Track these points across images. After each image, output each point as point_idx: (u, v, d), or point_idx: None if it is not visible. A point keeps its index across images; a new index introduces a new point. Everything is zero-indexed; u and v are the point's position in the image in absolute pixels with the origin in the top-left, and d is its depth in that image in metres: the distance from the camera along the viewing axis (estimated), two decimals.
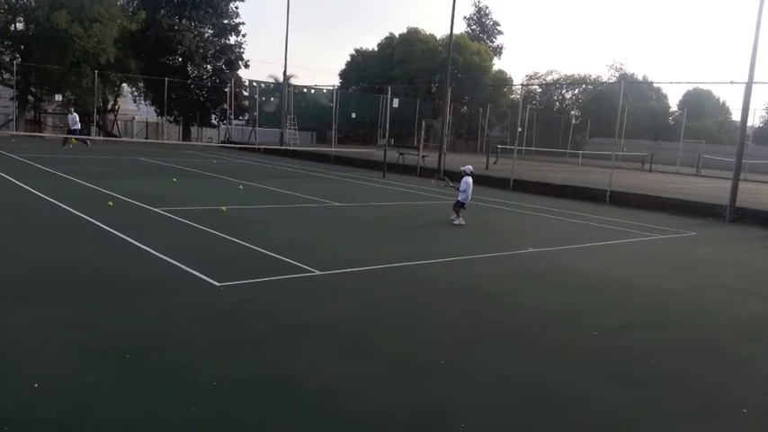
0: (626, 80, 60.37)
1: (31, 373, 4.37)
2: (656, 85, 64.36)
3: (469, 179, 12.87)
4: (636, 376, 5.21)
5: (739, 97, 24.61)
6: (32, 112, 38.56)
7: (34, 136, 33.87)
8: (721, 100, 68.62)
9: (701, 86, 63.86)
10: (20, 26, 35.24)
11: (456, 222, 12.55)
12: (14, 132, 32.80)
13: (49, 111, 40.54)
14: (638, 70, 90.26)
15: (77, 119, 28.92)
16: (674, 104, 68.62)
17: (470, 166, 13.25)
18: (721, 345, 6.33)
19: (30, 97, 36.81)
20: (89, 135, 35.31)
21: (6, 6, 34.02)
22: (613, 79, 64.56)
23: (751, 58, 16.70)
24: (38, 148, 26.92)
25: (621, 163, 33.75)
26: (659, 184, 26.07)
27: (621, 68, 67.14)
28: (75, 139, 28.80)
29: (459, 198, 12.77)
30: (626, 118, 31.17)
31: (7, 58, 35.56)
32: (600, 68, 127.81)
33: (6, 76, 35.58)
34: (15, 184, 14.22)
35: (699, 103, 62.39)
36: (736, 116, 55.11)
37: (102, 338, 5.17)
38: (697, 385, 5.16)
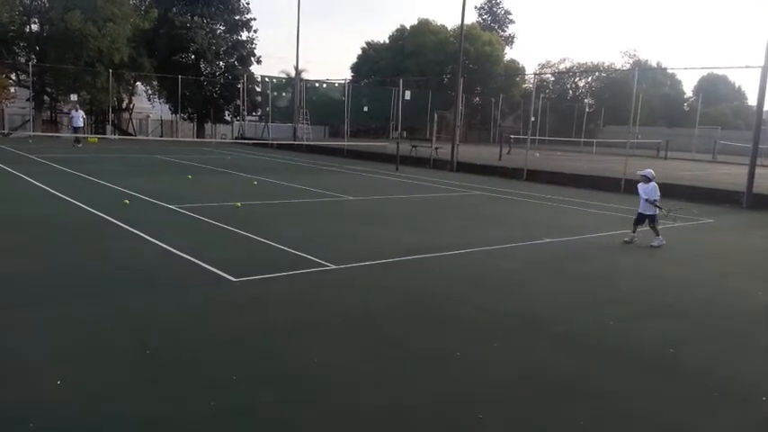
0: (640, 67, 59.83)
1: (53, 371, 4.44)
2: (670, 71, 63.57)
3: (654, 184, 10.48)
4: (654, 365, 5.19)
5: (755, 81, 24.29)
6: (48, 113, 38.96)
7: (51, 136, 34.26)
8: (737, 84, 67.86)
9: (716, 71, 63.06)
10: (35, 27, 35.56)
11: (626, 239, 10.53)
12: (31, 133, 33.18)
13: (65, 111, 40.92)
14: (652, 56, 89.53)
15: (78, 117, 29.45)
16: (688, 90, 67.99)
17: (650, 169, 10.75)
18: (740, 333, 6.28)
19: (45, 98, 37.15)
20: (104, 134, 35.65)
21: (21, 8, 34.33)
22: (627, 66, 63.93)
23: (767, 40, 16.49)
24: (54, 148, 27.20)
25: (636, 151, 33.49)
26: (675, 171, 25.83)
27: (635, 55, 66.46)
28: (95, 138, 29.36)
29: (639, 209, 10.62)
30: (640, 105, 30.89)
31: (23, 60, 35.90)
32: (613, 55, 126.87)
33: (22, 77, 35.94)
34: (33, 184, 14.41)
35: (714, 88, 61.64)
36: (752, 101, 54.46)
37: (121, 335, 5.25)
38: (716, 374, 5.14)
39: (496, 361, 5.12)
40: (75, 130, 29.61)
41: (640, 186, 10.59)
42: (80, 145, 28.44)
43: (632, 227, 10.62)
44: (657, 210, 10.43)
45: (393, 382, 4.61)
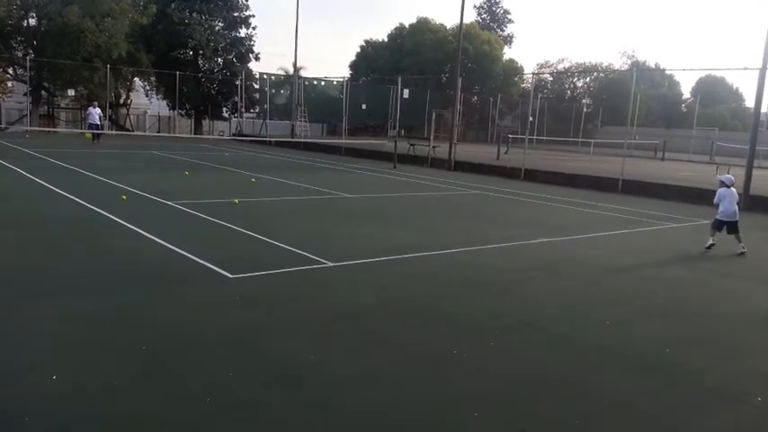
0: (638, 68, 59.91)
1: (49, 367, 4.44)
2: (668, 72, 63.85)
3: (725, 190, 10.34)
4: (649, 365, 5.21)
5: (753, 83, 24.34)
6: (46, 108, 38.86)
7: (48, 131, 34.17)
8: (734, 86, 68.13)
9: (713, 73, 63.40)
10: (32, 22, 35.45)
11: (708, 246, 10.29)
12: (28, 128, 33.10)
13: (62, 106, 40.84)
14: (650, 57, 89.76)
15: (95, 114, 29.17)
16: (686, 92, 68.17)
17: (730, 176, 10.67)
18: (736, 333, 6.31)
19: (43, 92, 37.04)
20: (102, 129, 35.60)
21: (19, 2, 34.21)
22: (625, 67, 64.08)
23: (765, 42, 16.52)
24: (51, 143, 27.15)
25: (634, 151, 33.56)
26: (672, 172, 25.88)
27: (633, 56, 66.66)
28: (89, 134, 29.18)
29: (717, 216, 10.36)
30: (638, 106, 30.95)
31: (20, 54, 35.81)
32: (611, 56, 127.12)
33: (20, 71, 35.84)
34: (30, 179, 14.37)
35: (712, 89, 61.83)
36: (749, 102, 54.56)
37: (118, 331, 5.24)
38: (712, 374, 5.15)
39: (493, 360, 5.13)
40: (91, 126, 29.27)
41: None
42: (96, 142, 28.19)
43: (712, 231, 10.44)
44: (737, 215, 10.33)
45: (389, 381, 4.61)
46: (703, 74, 66.17)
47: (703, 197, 17.69)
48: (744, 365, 5.43)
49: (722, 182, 10.48)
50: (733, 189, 10.47)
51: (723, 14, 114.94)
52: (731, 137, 41.69)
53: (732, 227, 10.29)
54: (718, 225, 10.36)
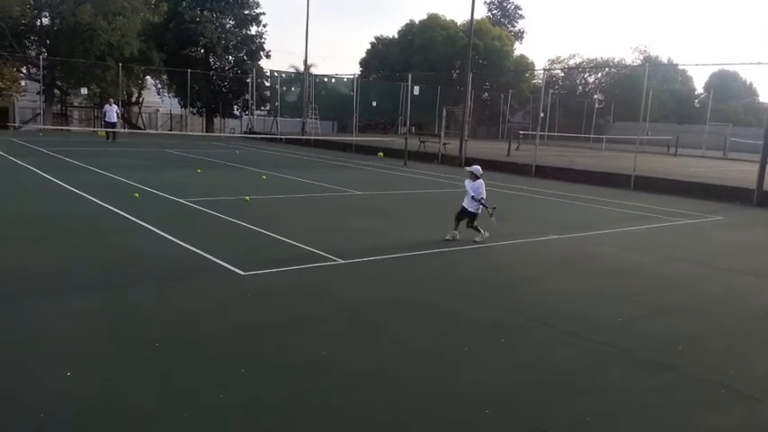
0: (650, 63, 59.38)
1: (63, 363, 4.49)
2: (681, 67, 63.30)
3: (473, 182, 9.83)
4: (661, 363, 5.19)
5: (767, 78, 24.09)
6: (59, 106, 39.16)
7: (61, 129, 34.45)
8: (748, 81, 67.37)
9: (727, 68, 62.69)
10: (45, 21, 35.77)
11: (447, 237, 9.62)
12: (42, 126, 33.38)
13: (76, 104, 41.17)
14: (663, 52, 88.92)
15: (111, 111, 28.69)
16: (699, 87, 67.48)
17: (478, 166, 10.12)
18: (748, 330, 6.27)
19: (56, 91, 37.34)
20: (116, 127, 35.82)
21: (32, 2, 34.51)
22: (637, 62, 63.48)
23: None
24: (65, 141, 27.36)
25: (646, 147, 33.31)
26: (685, 168, 25.69)
27: (645, 51, 66.00)
28: (103, 132, 29.18)
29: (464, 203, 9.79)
30: (650, 101, 30.70)
31: (34, 53, 36.12)
32: (623, 51, 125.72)
33: (33, 70, 36.15)
34: (44, 178, 14.50)
35: (725, 84, 61.21)
36: (763, 97, 54.13)
37: (130, 328, 5.29)
38: (724, 371, 5.11)
39: (503, 357, 5.13)
40: (108, 125, 28.61)
41: (467, 183, 9.85)
42: (110, 141, 27.55)
43: (454, 222, 9.76)
44: (481, 207, 9.73)
45: (401, 378, 4.63)
46: (716, 69, 65.62)
47: (717, 193, 17.60)
48: (756, 362, 5.40)
49: (473, 173, 9.82)
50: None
51: (736, 8, 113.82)
52: (745, 132, 41.32)
53: (472, 217, 9.70)
54: (467, 215, 9.68)
